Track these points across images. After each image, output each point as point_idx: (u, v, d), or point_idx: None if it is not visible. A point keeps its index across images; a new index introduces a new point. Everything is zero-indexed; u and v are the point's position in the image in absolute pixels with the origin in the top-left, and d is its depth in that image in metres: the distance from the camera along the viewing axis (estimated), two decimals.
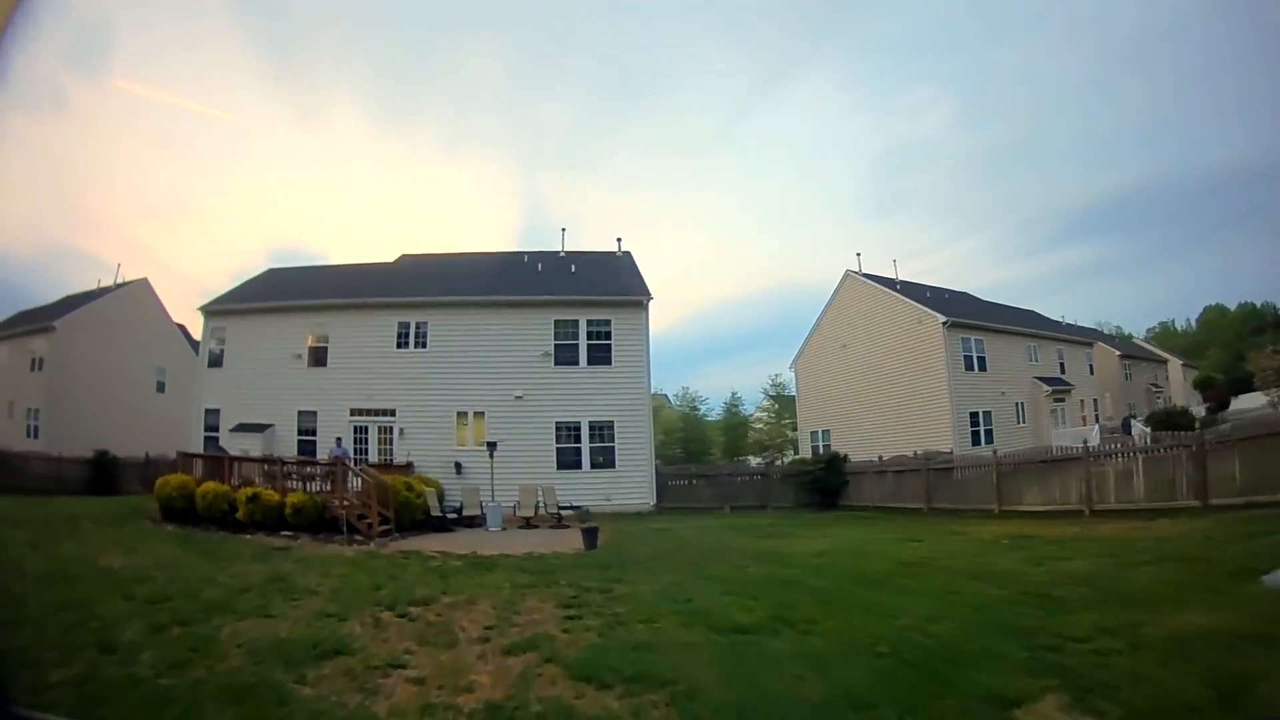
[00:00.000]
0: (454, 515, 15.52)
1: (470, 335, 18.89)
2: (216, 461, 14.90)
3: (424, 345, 19.13)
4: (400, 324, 19.32)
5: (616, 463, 18.19)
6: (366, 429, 19.14)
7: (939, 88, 76.41)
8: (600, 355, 18.60)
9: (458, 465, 18.33)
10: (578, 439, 18.21)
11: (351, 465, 14.45)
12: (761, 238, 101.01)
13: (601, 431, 18.21)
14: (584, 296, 19.30)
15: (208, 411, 21.44)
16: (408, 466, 18.18)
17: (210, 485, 13.84)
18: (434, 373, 18.82)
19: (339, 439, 17.43)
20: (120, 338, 31.45)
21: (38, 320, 31.73)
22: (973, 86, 74.11)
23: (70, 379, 29.99)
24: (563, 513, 15.85)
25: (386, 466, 17.61)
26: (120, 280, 33.80)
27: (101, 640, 4.80)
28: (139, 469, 23.64)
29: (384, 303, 19.55)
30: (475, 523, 15.84)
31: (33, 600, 6.16)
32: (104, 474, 23.71)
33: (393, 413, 18.94)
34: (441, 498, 17.28)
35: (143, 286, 33.61)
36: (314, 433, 19.26)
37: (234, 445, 19.68)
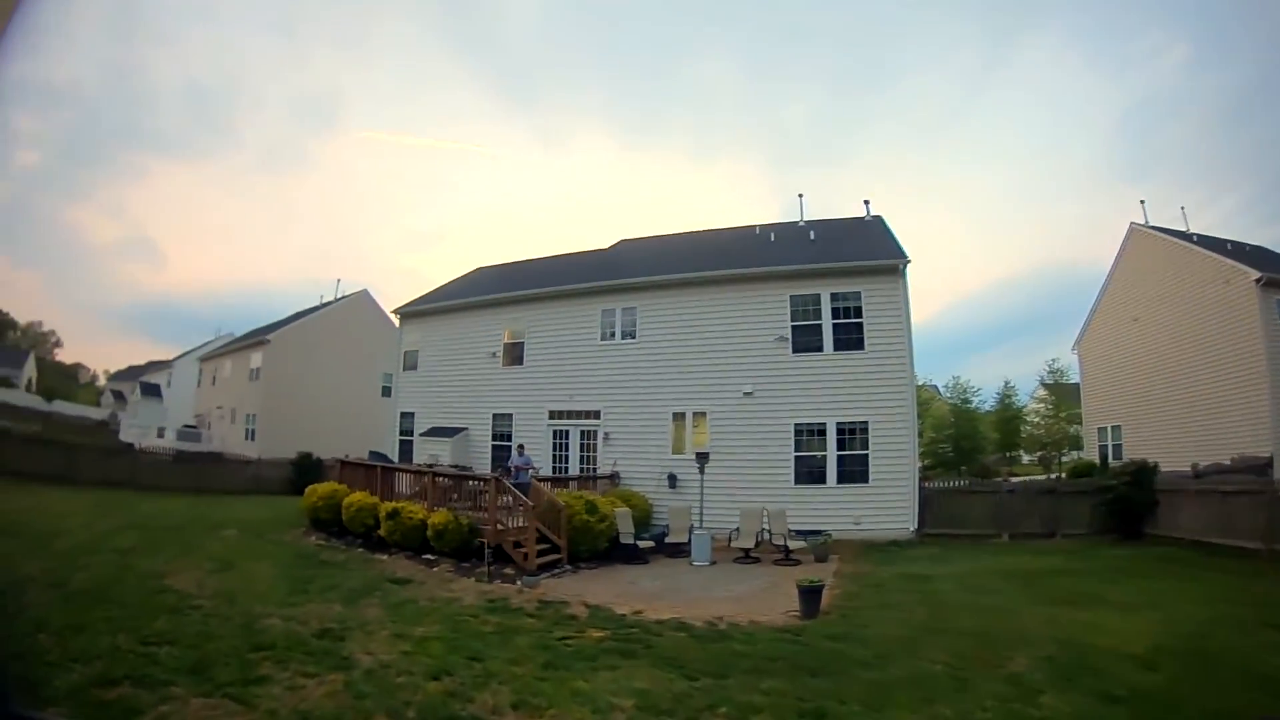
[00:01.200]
0: (649, 543, 13.05)
1: (688, 321, 16.33)
2: (368, 470, 13.55)
3: (633, 335, 16.86)
4: (604, 312, 17.24)
5: (870, 475, 14.61)
6: (567, 434, 17.17)
7: (1168, 29, 66.13)
8: (849, 338, 15.14)
9: (671, 478, 15.73)
10: (822, 445, 14.84)
11: (512, 480, 12.49)
12: (1014, 214, 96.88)
13: (852, 435, 14.70)
14: (825, 264, 15.97)
15: (403, 415, 20.75)
16: (612, 478, 15.92)
17: (358, 496, 12.59)
18: (645, 367, 16.46)
19: (520, 447, 15.68)
20: (338, 345, 33.08)
21: (260, 335, 34.09)
22: (1203, 23, 63.54)
23: (285, 386, 31.67)
24: (793, 543, 12.70)
25: (587, 479, 15.46)
26: (340, 294, 35.53)
27: None
28: (337, 471, 23.69)
29: (585, 289, 17.64)
30: (680, 551, 13.19)
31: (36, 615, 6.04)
32: (305, 475, 23.86)
33: (597, 415, 16.81)
34: (646, 519, 14.84)
35: (362, 298, 35.26)
36: (508, 437, 17.64)
37: (425, 451, 18.66)
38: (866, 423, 14.77)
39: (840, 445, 14.82)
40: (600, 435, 16.67)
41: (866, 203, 19.50)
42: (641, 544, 12.75)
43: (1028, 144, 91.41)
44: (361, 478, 13.33)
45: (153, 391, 53.32)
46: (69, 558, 8.97)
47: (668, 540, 13.48)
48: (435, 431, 18.91)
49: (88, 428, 41.95)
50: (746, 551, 12.70)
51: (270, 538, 12.45)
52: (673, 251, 18.25)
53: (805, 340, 15.41)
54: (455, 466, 17.28)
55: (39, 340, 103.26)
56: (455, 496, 12.08)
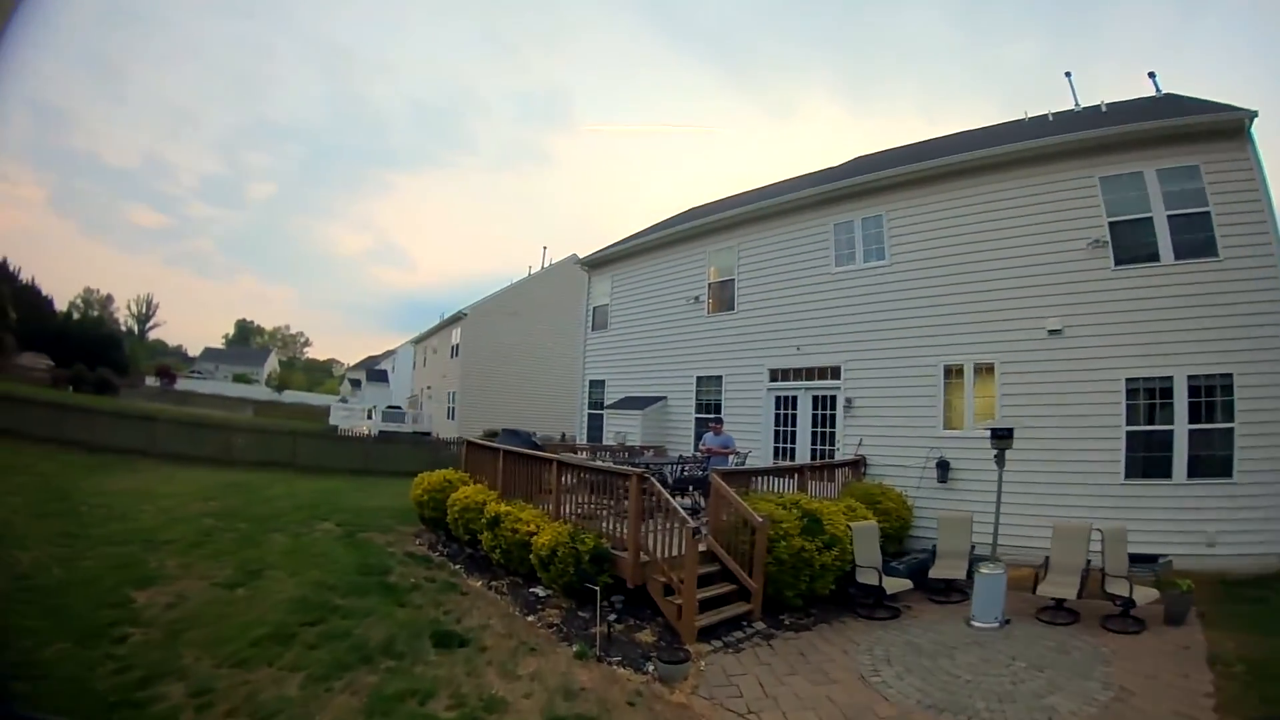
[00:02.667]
0: (903, 582, 8.46)
1: (958, 229, 11.58)
2: (492, 455, 10.49)
3: (880, 255, 12.50)
4: (838, 228, 13.08)
5: (1235, 465, 9.08)
6: (793, 400, 13.32)
7: None
8: (1193, 238, 9.49)
9: (941, 467, 11.26)
10: (1165, 414, 9.52)
11: (699, 468, 9.49)
12: None
13: (1211, 396, 9.24)
14: (1145, 126, 10.33)
15: (591, 385, 18.17)
16: (855, 466, 11.78)
17: (469, 492, 9.76)
18: (900, 301, 12.05)
19: (715, 423, 12.13)
20: (540, 316, 32.08)
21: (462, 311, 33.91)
22: None
23: (483, 362, 31.20)
24: (1139, 585, 7.64)
25: (819, 469, 11.39)
26: (547, 263, 34.60)
27: None
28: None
29: (813, 196, 13.53)
30: (952, 591, 8.85)
31: None
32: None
33: (835, 373, 12.73)
34: (902, 533, 10.70)
35: (569, 265, 33.63)
36: (716, 408, 14.16)
37: (612, 427, 15.80)
38: (1230, 376, 9.20)
39: (1194, 414, 9.44)
40: (840, 402, 12.58)
41: (1152, 75, 13.14)
42: (891, 584, 8.23)
43: None
44: (489, 464, 10.52)
45: (379, 377, 57.91)
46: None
47: (932, 575, 9.04)
48: (626, 403, 16.06)
49: (305, 413, 45.99)
50: (1059, 602, 7.81)
51: (361, 538, 10.55)
52: (925, 155, 13.44)
53: (1130, 244, 9.97)
54: (644, 449, 14.22)
55: (287, 341, 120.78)
56: (593, 499, 8.36)
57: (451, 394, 32.36)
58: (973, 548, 9.28)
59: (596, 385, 17.98)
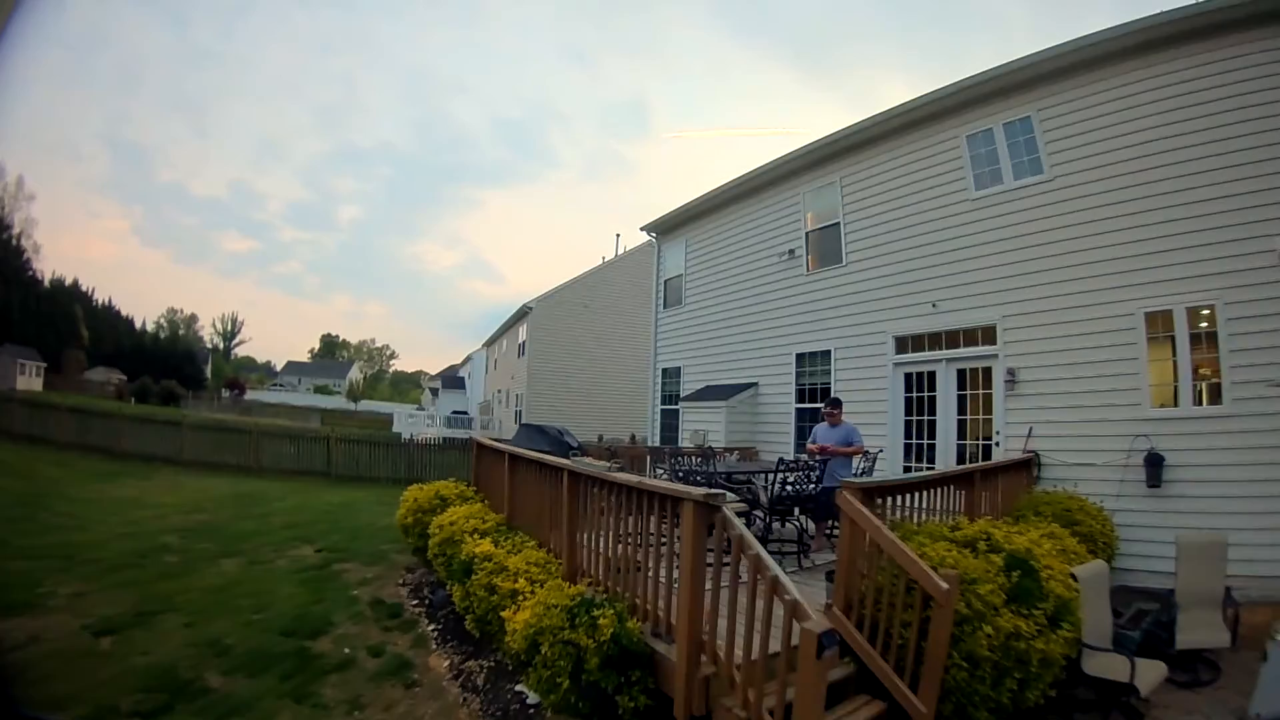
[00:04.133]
0: (1140, 648, 5.17)
1: (1147, 118, 8.14)
2: (496, 459, 7.80)
3: (1036, 169, 9.20)
4: (972, 140, 9.92)
5: None
6: (928, 378, 10.23)
7: None
8: None
9: (1152, 461, 7.94)
10: None
11: (809, 485, 6.93)
12: None
13: None
14: None
15: (664, 374, 15.51)
16: (1023, 466, 8.61)
17: (458, 515, 7.12)
18: (1069, 227, 8.73)
19: (830, 408, 7.99)
20: (613, 308, 29.72)
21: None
22: None
23: (551, 360, 29.12)
24: None
25: (992, 471, 8.31)
26: (621, 250, 32.18)
27: None
28: (595, 452, 19.55)
29: (938, 103, 10.23)
30: (1200, 666, 5.68)
31: None
32: None
33: (987, 335, 9.55)
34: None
35: (645, 251, 31.04)
36: (825, 394, 11.16)
37: (690, 424, 13.07)
38: None
39: None
40: (998, 375, 9.37)
41: None
42: (1145, 676, 4.75)
43: None
44: (496, 474, 7.79)
45: (455, 384, 57.32)
46: None
47: (1182, 643, 5.68)
48: (706, 394, 13.29)
49: (378, 422, 45.50)
50: None
51: (334, 570, 8.58)
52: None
53: None
54: (726, 451, 11.39)
55: (374, 354, 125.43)
56: (634, 535, 4.77)
57: (518, 396, 30.43)
58: (1227, 591, 6.08)
59: (670, 375, 15.31)
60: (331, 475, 18.91)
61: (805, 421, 11.49)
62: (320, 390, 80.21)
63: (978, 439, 9.72)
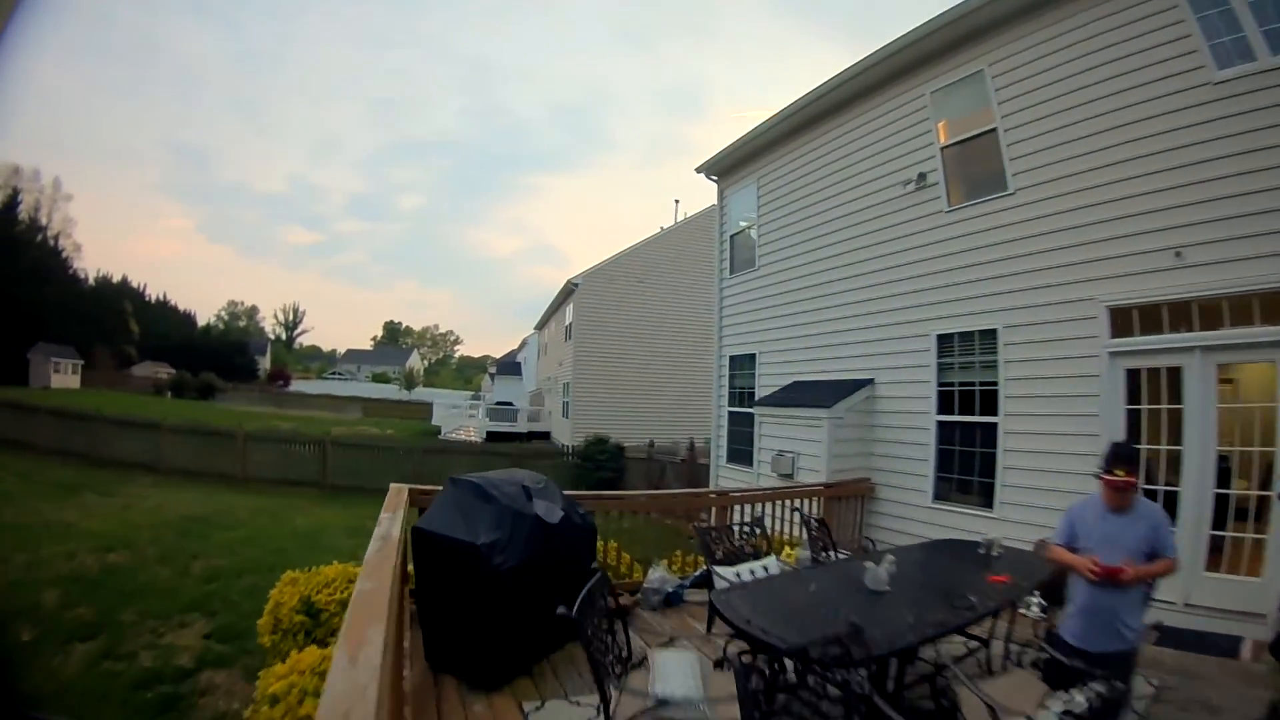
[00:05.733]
0: None
1: None
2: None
3: None
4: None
5: None
6: (1169, 377, 6.08)
7: None
8: None
9: None
10: None
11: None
12: None
13: None
14: None
15: (733, 364, 11.79)
16: None
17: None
18: None
19: (1122, 459, 3.43)
20: (672, 284, 25.98)
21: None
22: None
23: (600, 344, 25.56)
24: None
25: None
26: (680, 217, 28.37)
27: None
28: (641, 466, 16.01)
29: None
30: None
31: None
32: (594, 471, 17.10)
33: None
34: None
35: (708, 218, 27.12)
36: (988, 404, 7.22)
37: (773, 441, 9.27)
38: None
39: None
40: None
41: None
42: None
43: None
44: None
45: (511, 370, 54.77)
46: None
47: None
48: (794, 395, 9.40)
49: (424, 411, 43.77)
50: None
51: (198, 682, 6.24)
52: None
53: None
54: (814, 487, 7.56)
55: (437, 341, 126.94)
56: None
57: (565, 385, 27.10)
58: None
59: (741, 365, 11.51)
60: (325, 485, 16.67)
61: (952, 443, 7.59)
62: (378, 378, 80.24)
63: (1249, 485, 5.69)
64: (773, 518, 7.09)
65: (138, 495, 14.31)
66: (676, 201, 61.31)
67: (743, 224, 11.84)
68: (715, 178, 12.52)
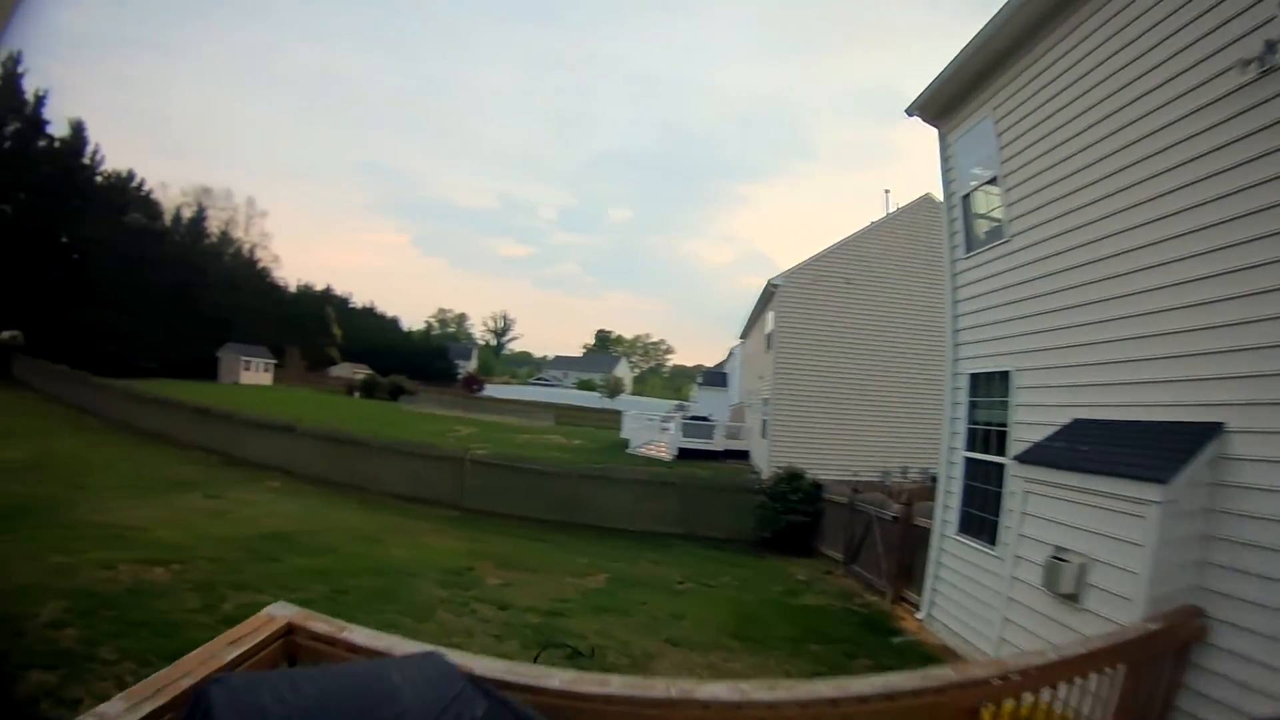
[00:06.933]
0: None
1: None
2: None
3: None
4: None
5: None
6: None
7: None
8: None
9: None
10: None
11: None
12: None
13: None
14: None
15: (974, 384, 8.22)
16: None
17: None
18: None
19: None
20: (886, 282, 22.27)
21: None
22: None
23: (805, 354, 22.29)
24: None
25: None
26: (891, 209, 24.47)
27: None
28: (840, 516, 12.51)
29: None
30: None
31: None
32: (779, 516, 14.05)
33: None
34: None
35: (923, 207, 22.60)
36: None
37: (1047, 525, 5.57)
38: None
39: None
40: None
41: None
42: None
43: None
44: None
45: (717, 380, 52.79)
46: None
47: None
48: (1081, 445, 5.67)
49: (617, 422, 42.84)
50: None
51: None
52: None
53: None
54: None
55: (649, 349, 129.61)
56: None
57: (764, 401, 23.99)
58: None
59: (987, 386, 7.87)
60: (460, 506, 15.20)
61: None
62: (583, 385, 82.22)
63: None
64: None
65: (244, 501, 13.97)
66: (886, 192, 55.26)
67: (979, 182, 8.21)
68: (932, 119, 8.90)
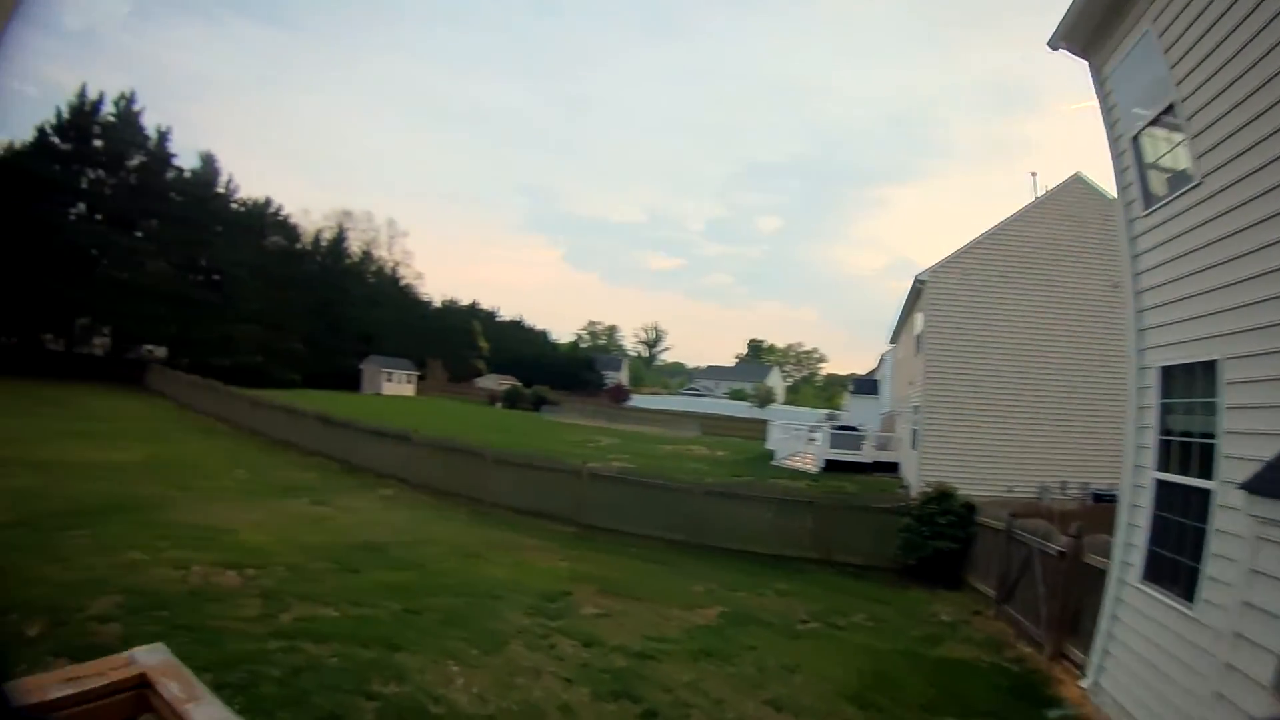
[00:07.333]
0: None
1: None
2: None
3: None
4: None
5: None
6: None
7: None
8: None
9: None
10: None
11: None
12: None
13: None
14: None
15: (1167, 380, 6.32)
16: None
17: None
18: None
19: None
20: (1042, 272, 19.65)
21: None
22: None
23: (954, 356, 19.93)
24: None
25: None
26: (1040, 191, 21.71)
27: None
28: (996, 545, 10.41)
29: None
30: None
31: None
32: (930, 538, 12.20)
33: None
34: None
35: (1073, 189, 20.21)
36: None
37: None
38: None
39: None
40: None
41: None
42: None
43: None
44: None
45: (868, 388, 49.72)
46: None
47: None
48: None
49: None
50: None
51: None
52: None
53: None
54: None
55: (801, 359, 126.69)
56: None
57: (914, 409, 21.64)
58: None
59: (1185, 383, 5.92)
60: (577, 524, 14.35)
61: None
62: (735, 394, 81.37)
63: None
64: None
65: (349, 509, 13.96)
66: (1033, 175, 49.50)
67: (1153, 112, 6.28)
68: (1079, 49, 6.98)
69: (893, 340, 34.04)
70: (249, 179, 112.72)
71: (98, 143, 42.15)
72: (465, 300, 78.38)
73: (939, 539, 11.99)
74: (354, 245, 67.01)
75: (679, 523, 13.85)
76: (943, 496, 12.48)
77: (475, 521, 14.36)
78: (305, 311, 53.18)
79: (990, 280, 19.81)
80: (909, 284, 22.64)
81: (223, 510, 12.47)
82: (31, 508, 10.91)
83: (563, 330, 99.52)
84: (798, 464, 27.54)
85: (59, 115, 40.06)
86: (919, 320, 22.10)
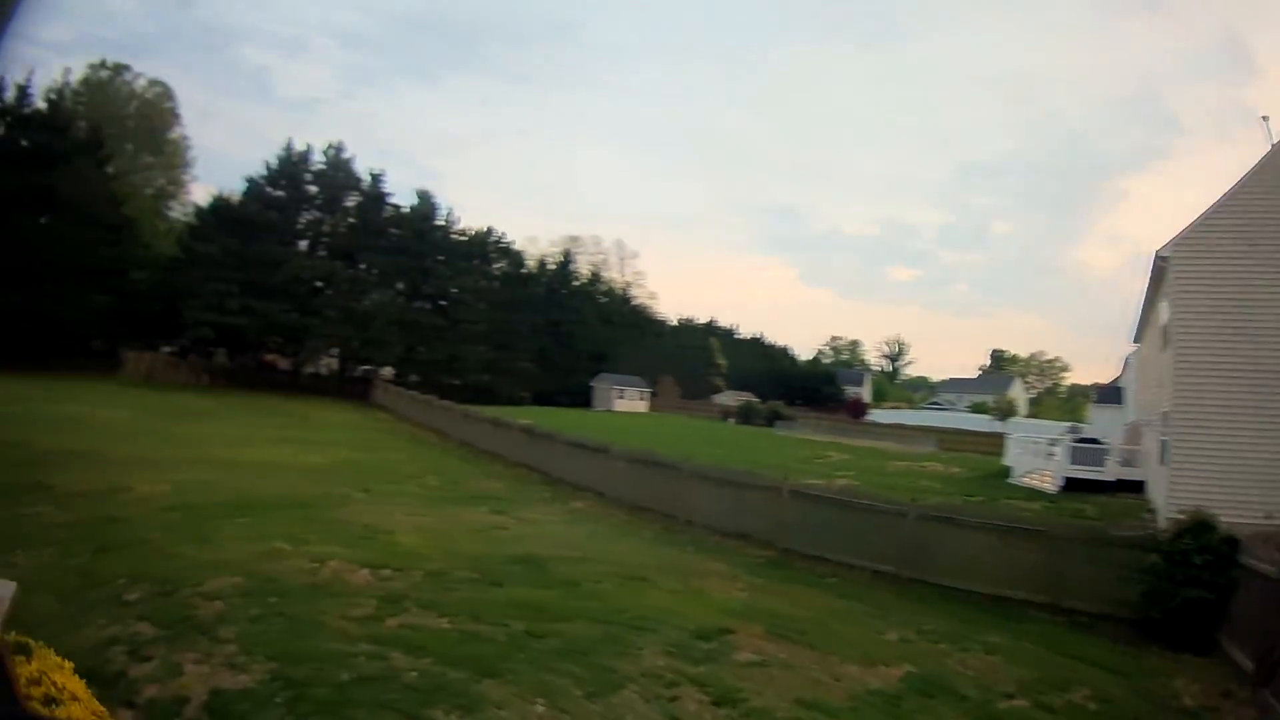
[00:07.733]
0: None
1: None
2: None
3: None
4: None
5: None
6: None
7: None
8: None
9: None
10: None
11: None
12: None
13: None
14: None
15: None
16: None
17: None
18: None
19: None
20: None
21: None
22: None
23: (1213, 351, 16.07)
24: None
25: None
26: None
27: None
28: (1268, 595, 7.64)
29: None
30: None
31: None
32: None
33: None
34: None
35: None
36: None
37: None
38: None
39: None
40: None
41: None
42: None
43: None
44: None
45: (1111, 397, 43.14)
46: None
47: None
48: None
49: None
50: None
51: None
52: None
53: None
54: None
55: (1044, 369, 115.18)
56: None
57: (1163, 416, 17.68)
58: None
59: None
60: (775, 547, 13.33)
61: None
62: (976, 408, 76.33)
63: None
64: None
65: (527, 519, 14.01)
66: (1264, 118, 39.40)
67: None
68: None
69: (1136, 339, 28.96)
70: (484, 213, 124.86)
71: (311, 188, 48.96)
72: (702, 319, 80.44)
73: (1190, 585, 9.21)
74: (583, 268, 70.97)
75: (888, 551, 12.26)
76: (1200, 528, 9.66)
77: (660, 540, 13.72)
78: (533, 332, 56.87)
79: (1241, 251, 15.71)
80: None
81: (393, 513, 12.93)
82: (198, 498, 11.74)
83: (803, 347, 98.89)
84: (1035, 482, 24.57)
85: (268, 167, 47.35)
86: (1164, 309, 18.19)
